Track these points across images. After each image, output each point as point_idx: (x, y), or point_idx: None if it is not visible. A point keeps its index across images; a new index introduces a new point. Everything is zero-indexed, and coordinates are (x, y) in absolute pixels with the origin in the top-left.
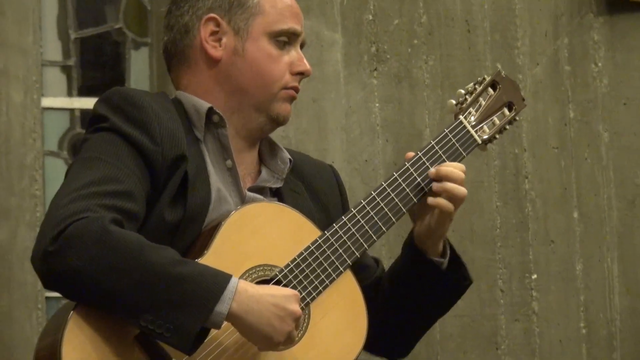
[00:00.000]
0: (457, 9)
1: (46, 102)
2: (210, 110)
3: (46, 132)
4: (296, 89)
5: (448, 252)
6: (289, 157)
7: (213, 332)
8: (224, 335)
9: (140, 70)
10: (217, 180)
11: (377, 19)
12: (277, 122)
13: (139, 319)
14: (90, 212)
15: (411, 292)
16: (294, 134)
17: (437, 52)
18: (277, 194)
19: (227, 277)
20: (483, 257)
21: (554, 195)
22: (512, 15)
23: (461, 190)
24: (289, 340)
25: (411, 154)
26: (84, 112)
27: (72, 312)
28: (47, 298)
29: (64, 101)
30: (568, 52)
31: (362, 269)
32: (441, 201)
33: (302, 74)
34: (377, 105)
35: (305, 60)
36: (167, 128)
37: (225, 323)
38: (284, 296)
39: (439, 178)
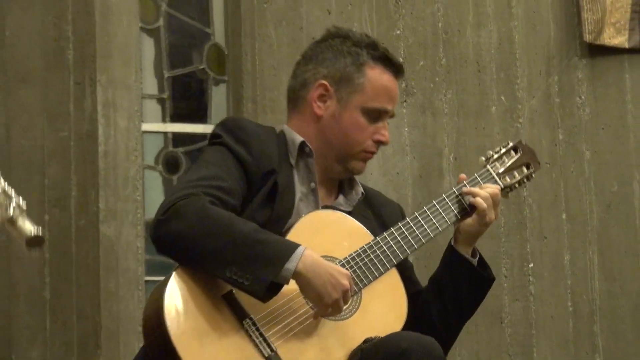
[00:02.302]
0: (470, 53)
1: (145, 127)
2: (303, 143)
3: (145, 150)
4: (373, 153)
5: (477, 255)
6: (362, 191)
7: (284, 301)
8: (293, 307)
9: (219, 102)
10: (301, 197)
11: (406, 61)
12: (351, 173)
13: (225, 270)
14: (196, 196)
15: (449, 287)
16: None
17: (453, 87)
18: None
19: (297, 245)
20: (490, 250)
21: (547, 201)
22: (514, 58)
23: (490, 215)
24: (337, 308)
25: (463, 176)
26: (174, 134)
27: (173, 272)
28: (146, 281)
29: (159, 126)
30: (558, 87)
31: (409, 281)
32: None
33: (381, 143)
34: (406, 129)
35: (386, 132)
36: (263, 148)
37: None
38: (339, 271)
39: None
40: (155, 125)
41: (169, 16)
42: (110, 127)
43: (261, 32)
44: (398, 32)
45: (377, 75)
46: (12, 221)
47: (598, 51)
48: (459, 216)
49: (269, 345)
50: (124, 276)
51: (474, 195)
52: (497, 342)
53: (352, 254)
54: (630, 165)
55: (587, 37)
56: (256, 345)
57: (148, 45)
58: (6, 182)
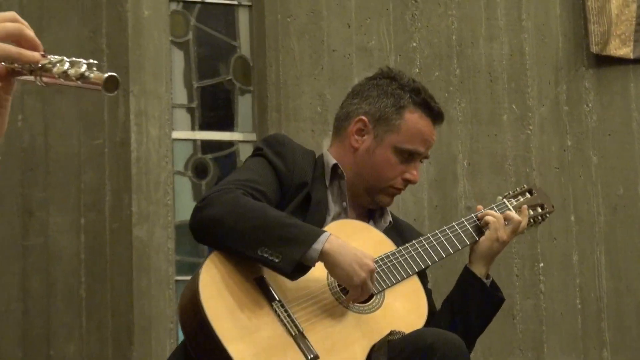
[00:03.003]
0: (483, 64)
1: (175, 134)
2: (336, 165)
3: (175, 157)
4: (400, 190)
5: (490, 278)
6: (391, 219)
7: (311, 289)
8: (319, 296)
9: (244, 111)
10: (334, 215)
11: (422, 72)
12: (377, 205)
13: (257, 250)
14: (232, 191)
15: (459, 304)
16: None
17: (467, 96)
18: None
19: (323, 230)
20: (502, 251)
21: (556, 204)
22: (524, 69)
23: (501, 232)
24: (366, 289)
25: (480, 207)
26: (203, 142)
27: (207, 258)
28: (176, 281)
29: (188, 134)
30: (566, 96)
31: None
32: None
33: (409, 182)
34: None
35: (416, 172)
36: (299, 163)
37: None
38: (363, 253)
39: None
40: (185, 133)
41: (197, 30)
42: (142, 135)
43: (284, 44)
44: (414, 44)
45: (415, 119)
46: (83, 76)
47: (604, 62)
48: (476, 237)
49: (295, 326)
50: (155, 276)
51: (487, 215)
52: (510, 338)
53: (375, 258)
54: (636, 170)
55: (594, 49)
56: (284, 325)
57: (178, 58)
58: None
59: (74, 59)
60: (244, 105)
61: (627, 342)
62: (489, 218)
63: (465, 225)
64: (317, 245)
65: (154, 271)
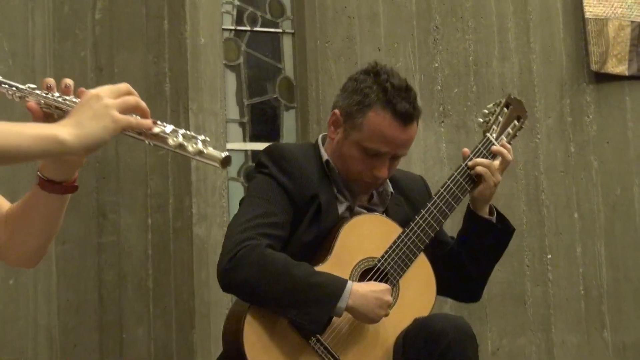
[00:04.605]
0: (496, 82)
1: (229, 145)
2: (327, 162)
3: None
4: (371, 184)
5: (495, 212)
6: (391, 190)
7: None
8: (341, 320)
9: (289, 125)
10: (342, 210)
11: (443, 89)
12: (362, 192)
13: (287, 313)
14: (254, 240)
15: (474, 243)
16: None
17: (483, 110)
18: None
19: (344, 283)
20: (515, 244)
21: (562, 203)
22: (532, 85)
23: (494, 177)
24: (385, 316)
25: (467, 150)
26: (253, 151)
27: (247, 310)
28: None
29: (240, 145)
30: (570, 108)
31: (442, 244)
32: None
33: (376, 178)
34: (443, 145)
35: (383, 168)
36: (304, 173)
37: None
38: (382, 291)
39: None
40: (237, 144)
41: (247, 55)
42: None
43: (323, 66)
44: (436, 64)
45: (377, 120)
46: (201, 153)
47: (603, 78)
48: (469, 188)
49: (332, 356)
50: (213, 268)
51: (478, 165)
52: (522, 320)
53: (387, 250)
54: (631, 173)
55: (594, 67)
56: (322, 358)
57: (231, 79)
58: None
59: (184, 131)
60: (288, 120)
61: (624, 323)
62: (479, 169)
63: (459, 180)
64: (342, 304)
65: (212, 264)
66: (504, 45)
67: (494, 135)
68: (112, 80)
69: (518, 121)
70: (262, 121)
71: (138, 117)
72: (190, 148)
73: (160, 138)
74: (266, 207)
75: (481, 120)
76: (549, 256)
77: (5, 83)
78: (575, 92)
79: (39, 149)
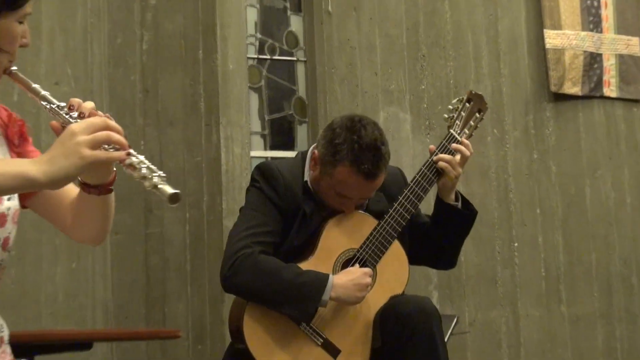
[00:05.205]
0: None
1: (252, 153)
2: (305, 182)
3: (252, 169)
4: (342, 211)
5: (460, 199)
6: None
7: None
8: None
9: (302, 136)
10: (324, 213)
11: (429, 106)
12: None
13: (280, 309)
14: (249, 248)
15: (444, 224)
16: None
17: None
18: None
19: (326, 279)
20: (487, 234)
21: (526, 200)
22: (502, 103)
23: (455, 170)
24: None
25: (432, 147)
26: (272, 158)
27: (246, 306)
28: None
29: (261, 153)
30: (533, 122)
31: (420, 225)
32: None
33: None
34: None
35: (351, 207)
36: (289, 188)
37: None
38: (361, 275)
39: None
40: (259, 152)
41: (268, 79)
42: (229, 154)
43: (330, 88)
44: (423, 87)
45: (345, 174)
46: (156, 186)
47: (560, 98)
48: (435, 179)
49: (320, 336)
50: None
51: (440, 161)
52: (493, 297)
53: (364, 241)
54: (584, 176)
55: (553, 88)
56: (311, 339)
57: (254, 98)
58: (149, 162)
59: (151, 166)
60: (301, 132)
61: (578, 299)
62: (442, 164)
63: (426, 173)
64: (326, 297)
65: None
66: (478, 70)
67: (457, 130)
68: (157, 100)
69: (479, 114)
70: (280, 133)
71: (110, 151)
72: (147, 183)
73: (132, 168)
74: (259, 219)
75: (446, 116)
76: (516, 244)
77: (45, 99)
78: (538, 109)
79: (9, 186)
